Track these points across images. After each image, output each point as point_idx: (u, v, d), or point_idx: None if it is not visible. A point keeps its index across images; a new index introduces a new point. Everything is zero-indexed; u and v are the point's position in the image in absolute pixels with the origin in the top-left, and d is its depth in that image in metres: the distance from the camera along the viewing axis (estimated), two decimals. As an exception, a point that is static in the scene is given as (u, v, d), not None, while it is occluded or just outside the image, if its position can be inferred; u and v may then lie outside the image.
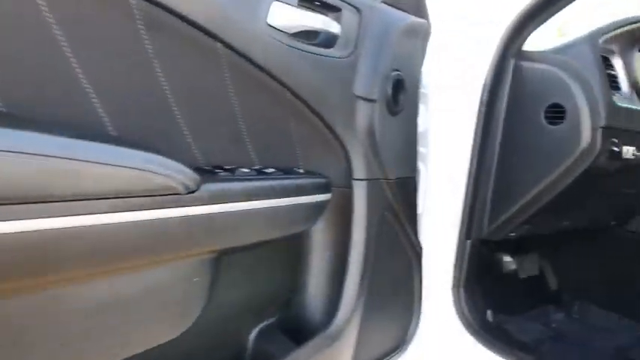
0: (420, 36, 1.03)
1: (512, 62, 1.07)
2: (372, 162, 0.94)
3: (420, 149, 1.16)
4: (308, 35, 0.83)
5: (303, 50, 0.80)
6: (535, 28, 1.04)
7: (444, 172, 1.13)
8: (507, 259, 1.43)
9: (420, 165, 1.16)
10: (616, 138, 1.02)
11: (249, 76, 0.76)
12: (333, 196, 0.92)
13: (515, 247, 1.48)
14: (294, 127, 0.86)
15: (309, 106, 0.83)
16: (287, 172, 0.86)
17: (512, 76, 1.07)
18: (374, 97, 0.91)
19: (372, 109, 0.91)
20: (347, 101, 0.89)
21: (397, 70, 0.95)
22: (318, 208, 0.91)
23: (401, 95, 0.97)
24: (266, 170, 0.82)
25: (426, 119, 1.16)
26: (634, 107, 1.10)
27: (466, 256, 1.13)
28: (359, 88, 0.89)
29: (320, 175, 0.91)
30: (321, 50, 0.84)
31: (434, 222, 1.14)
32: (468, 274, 1.14)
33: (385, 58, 0.92)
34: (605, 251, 1.60)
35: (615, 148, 1.02)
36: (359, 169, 0.93)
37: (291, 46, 0.78)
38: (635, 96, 1.14)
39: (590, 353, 1.48)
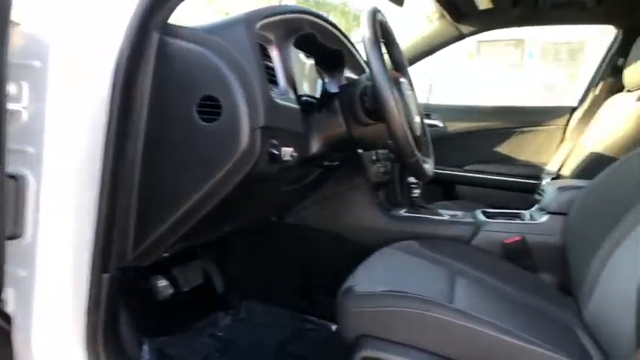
0: None
1: (156, 37, 0.82)
2: None
3: (27, 149, 0.79)
4: None
5: None
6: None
7: (67, 182, 0.80)
8: (162, 283, 1.20)
9: (26, 172, 0.79)
10: (275, 139, 0.90)
11: None
12: None
13: (172, 260, 1.26)
14: None
15: None
16: None
17: (157, 56, 0.82)
18: None
19: None
20: None
21: None
22: None
23: None
24: None
25: (34, 104, 0.80)
26: (292, 105, 1.01)
27: (104, 296, 0.83)
28: None
29: None
30: None
31: (53, 256, 0.80)
32: (109, 316, 0.85)
33: None
34: (267, 246, 1.59)
35: (275, 151, 0.90)
36: None
37: None
38: (291, 92, 1.06)
39: (256, 356, 1.44)
